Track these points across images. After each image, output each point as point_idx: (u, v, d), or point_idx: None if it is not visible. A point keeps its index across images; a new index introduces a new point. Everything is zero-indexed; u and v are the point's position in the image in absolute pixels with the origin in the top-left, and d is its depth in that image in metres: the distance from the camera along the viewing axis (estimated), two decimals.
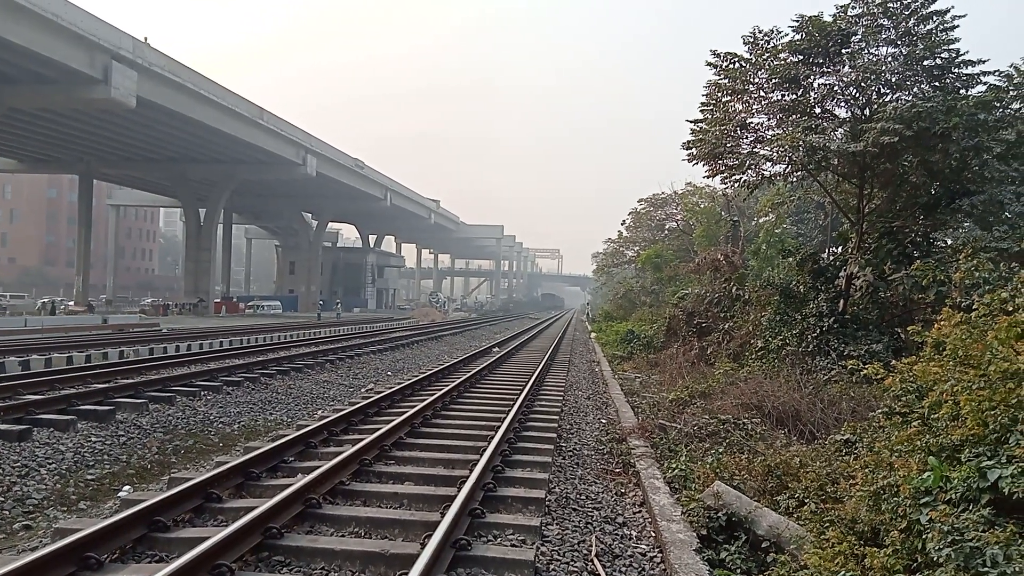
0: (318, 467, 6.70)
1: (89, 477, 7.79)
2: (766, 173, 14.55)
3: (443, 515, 5.43)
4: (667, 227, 42.66)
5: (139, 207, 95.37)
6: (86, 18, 30.97)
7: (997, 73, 12.73)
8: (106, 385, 12.01)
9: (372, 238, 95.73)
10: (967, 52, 12.47)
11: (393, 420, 9.29)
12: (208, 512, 5.91)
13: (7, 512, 6.50)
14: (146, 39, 34.72)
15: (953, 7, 12.43)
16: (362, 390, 15.09)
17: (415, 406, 10.53)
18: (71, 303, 53.79)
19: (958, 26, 12.50)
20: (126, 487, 7.52)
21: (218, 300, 58.65)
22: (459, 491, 6.03)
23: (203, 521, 5.77)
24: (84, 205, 54.27)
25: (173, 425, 10.30)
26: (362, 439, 8.07)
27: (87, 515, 6.56)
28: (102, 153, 49.25)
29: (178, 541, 5.10)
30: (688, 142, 15.22)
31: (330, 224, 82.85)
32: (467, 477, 6.50)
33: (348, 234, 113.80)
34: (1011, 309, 5.57)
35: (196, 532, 5.32)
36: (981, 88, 12.55)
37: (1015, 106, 13.17)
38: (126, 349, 19.56)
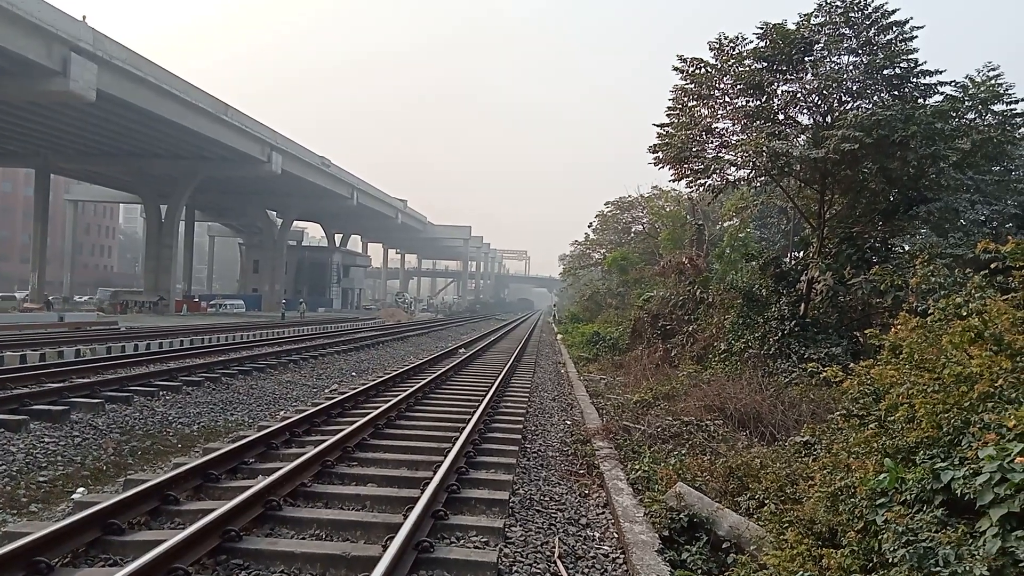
0: (279, 468, 6.60)
1: (41, 479, 7.56)
2: (730, 178, 14.77)
3: (406, 517, 5.39)
4: (633, 230, 42.85)
5: (98, 203, 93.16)
6: (44, 8, 30.12)
7: (953, 84, 13.11)
8: (61, 384, 11.67)
9: (338, 237, 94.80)
10: (926, 62, 12.82)
11: (357, 421, 9.20)
12: (165, 514, 5.79)
13: None
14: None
15: (912, 18, 12.76)
16: (326, 391, 14.93)
17: (379, 407, 10.45)
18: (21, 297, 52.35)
19: (916, 36, 12.85)
20: (80, 489, 7.32)
21: (179, 298, 57.56)
22: (422, 493, 5.99)
23: (160, 524, 5.65)
24: (40, 200, 52.75)
25: (130, 426, 10.07)
26: (325, 440, 7.99)
27: (38, 518, 6.37)
28: (60, 147, 48.02)
29: (133, 544, 4.99)
30: (654, 146, 15.37)
31: (295, 222, 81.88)
32: (431, 479, 6.45)
33: (314, 233, 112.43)
34: (964, 314, 5.69)
35: (152, 535, 5.20)
36: (938, 98, 12.91)
37: (970, 116, 13.55)
38: (82, 348, 19.09)
